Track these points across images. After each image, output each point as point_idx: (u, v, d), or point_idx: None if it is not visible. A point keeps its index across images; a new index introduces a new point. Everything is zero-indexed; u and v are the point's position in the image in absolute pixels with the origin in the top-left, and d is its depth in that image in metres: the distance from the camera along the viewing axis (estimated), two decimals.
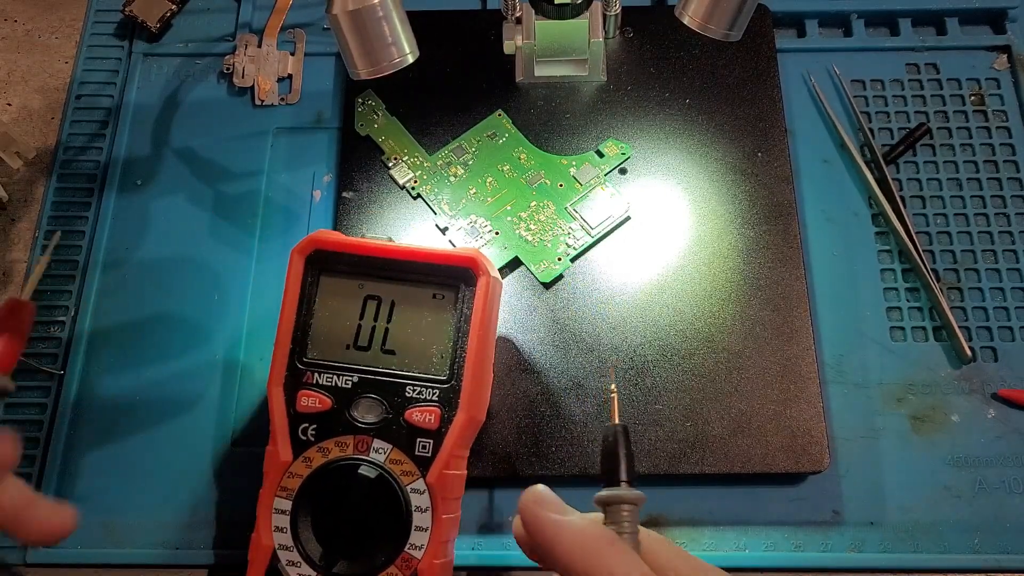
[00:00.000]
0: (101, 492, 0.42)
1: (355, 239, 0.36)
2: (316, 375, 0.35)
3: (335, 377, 0.35)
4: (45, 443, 0.42)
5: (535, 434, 0.41)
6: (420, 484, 0.34)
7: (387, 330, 0.35)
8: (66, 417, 0.43)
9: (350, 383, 0.35)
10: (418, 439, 0.34)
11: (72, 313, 0.45)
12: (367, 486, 0.33)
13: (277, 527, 0.34)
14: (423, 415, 0.34)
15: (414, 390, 0.35)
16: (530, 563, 0.40)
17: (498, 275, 0.36)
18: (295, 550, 0.34)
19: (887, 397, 0.43)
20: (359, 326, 0.35)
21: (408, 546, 0.34)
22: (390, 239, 0.36)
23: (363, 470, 0.34)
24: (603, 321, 0.43)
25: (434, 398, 0.35)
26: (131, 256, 0.46)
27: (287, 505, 0.34)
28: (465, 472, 0.36)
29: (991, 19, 0.51)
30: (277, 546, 0.34)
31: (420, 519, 0.34)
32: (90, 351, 0.44)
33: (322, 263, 0.36)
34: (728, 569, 0.40)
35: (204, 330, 0.44)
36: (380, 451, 0.34)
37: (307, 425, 0.34)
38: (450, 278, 0.35)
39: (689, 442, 0.40)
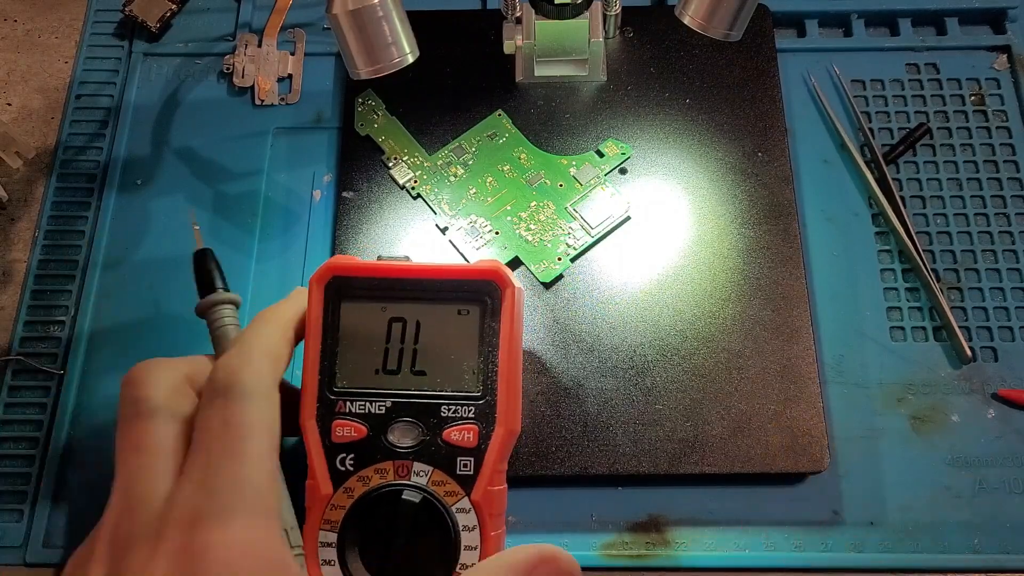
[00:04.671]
0: (101, 492, 0.41)
1: (372, 262, 0.35)
2: (348, 403, 0.34)
3: (368, 404, 0.34)
4: (45, 443, 0.42)
5: (535, 434, 0.41)
6: (465, 503, 0.33)
7: (415, 351, 0.34)
8: (66, 417, 0.43)
9: (384, 408, 0.34)
10: (459, 458, 0.33)
11: (72, 313, 0.45)
12: (412, 511, 0.33)
13: (324, 560, 0.33)
14: (461, 433, 0.33)
15: (449, 409, 0.34)
16: None
17: (520, 284, 0.36)
18: None
19: (887, 397, 0.43)
20: (386, 349, 0.34)
21: (459, 566, 0.33)
22: (407, 258, 0.35)
23: (406, 495, 0.33)
24: (603, 321, 0.43)
25: (471, 415, 0.34)
26: (131, 256, 0.46)
27: (332, 538, 0.33)
28: (506, 485, 0.35)
29: (991, 19, 0.51)
30: None
31: (468, 538, 0.33)
32: (90, 351, 0.44)
33: (341, 289, 0.34)
34: (728, 569, 0.40)
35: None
36: (421, 474, 0.33)
37: (344, 455, 0.33)
38: (474, 292, 0.34)
39: (689, 442, 0.40)
